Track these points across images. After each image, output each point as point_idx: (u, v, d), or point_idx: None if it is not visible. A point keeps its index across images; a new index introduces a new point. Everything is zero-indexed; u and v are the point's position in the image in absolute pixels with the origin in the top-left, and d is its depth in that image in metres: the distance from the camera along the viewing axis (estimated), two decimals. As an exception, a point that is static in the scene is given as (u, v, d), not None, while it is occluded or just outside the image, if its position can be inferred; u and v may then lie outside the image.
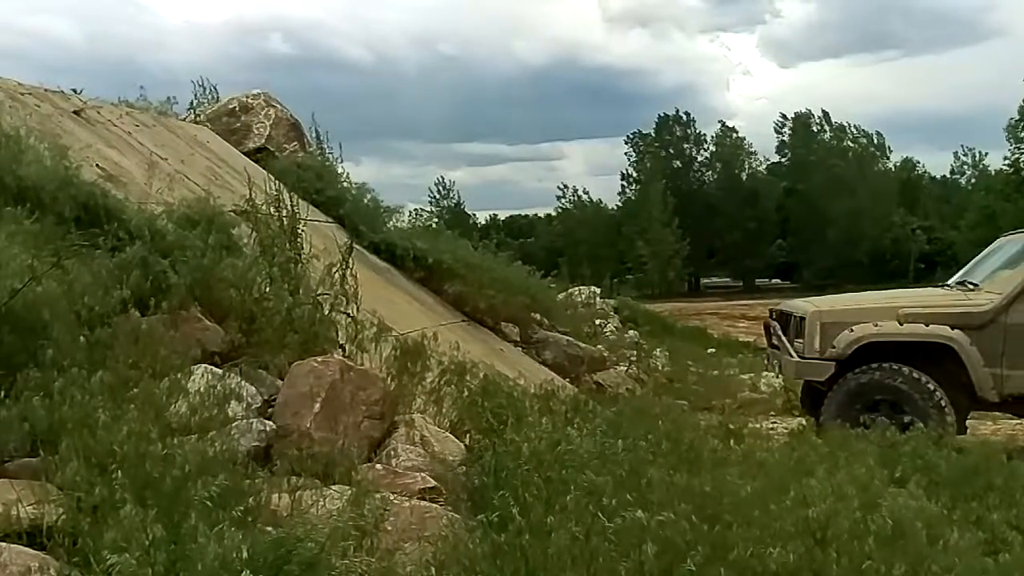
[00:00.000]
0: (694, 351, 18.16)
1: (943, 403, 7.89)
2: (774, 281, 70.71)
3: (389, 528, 3.84)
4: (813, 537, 3.18)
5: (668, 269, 66.08)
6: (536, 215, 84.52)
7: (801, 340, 8.45)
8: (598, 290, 22.00)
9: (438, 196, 73.88)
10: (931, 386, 7.94)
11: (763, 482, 3.87)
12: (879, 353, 8.15)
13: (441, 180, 76.74)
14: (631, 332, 17.60)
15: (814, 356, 8.29)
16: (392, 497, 4.10)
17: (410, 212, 17.15)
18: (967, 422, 8.40)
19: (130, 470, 3.53)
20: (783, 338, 8.88)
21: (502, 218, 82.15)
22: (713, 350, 19.20)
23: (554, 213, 78.02)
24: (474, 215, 70.71)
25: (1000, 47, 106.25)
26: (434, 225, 19.38)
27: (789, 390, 10.95)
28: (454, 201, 74.02)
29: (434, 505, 4.28)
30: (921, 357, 8.09)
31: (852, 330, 8.20)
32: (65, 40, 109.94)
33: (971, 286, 8.74)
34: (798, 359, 8.43)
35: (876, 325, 8.21)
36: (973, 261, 9.63)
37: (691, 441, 4.70)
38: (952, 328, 8.08)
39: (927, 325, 8.16)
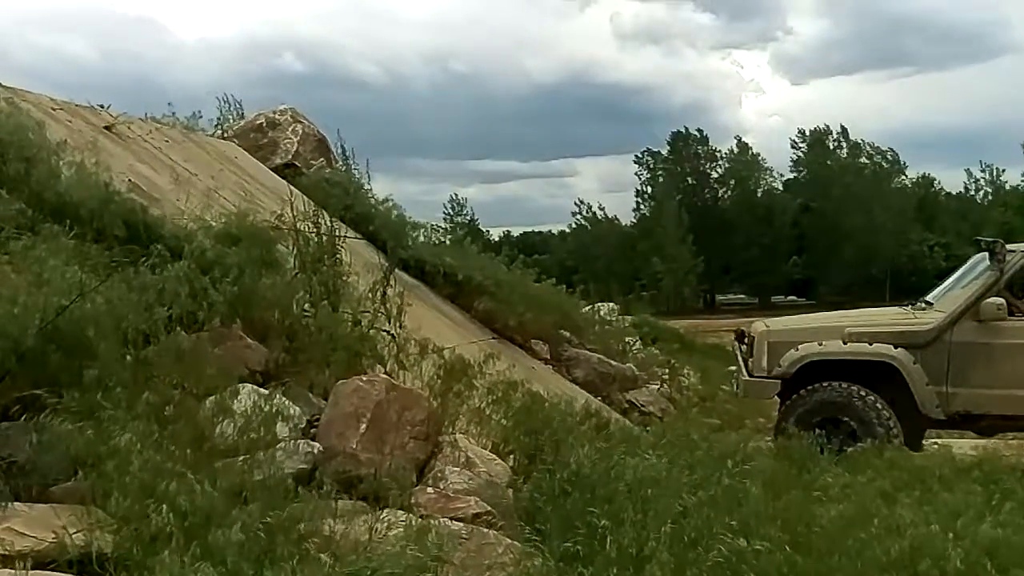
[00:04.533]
0: (718, 368, 17.90)
1: (890, 420, 7.92)
2: (790, 298, 70.24)
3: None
4: (905, 570, 3.01)
5: (683, 286, 65.80)
6: (550, 231, 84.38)
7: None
8: (616, 307, 21.76)
9: (452, 213, 73.66)
10: (877, 403, 7.98)
11: (847, 507, 3.71)
12: (828, 372, 8.20)
13: (455, 197, 76.45)
14: (651, 349, 17.38)
15: (762, 375, 8.41)
16: (449, 523, 3.96)
17: (424, 229, 16.91)
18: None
19: (178, 497, 3.40)
20: (739, 357, 9.06)
21: (515, 234, 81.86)
22: (734, 367, 18.91)
23: (568, 229, 77.89)
24: (488, 232, 70.49)
25: (1013, 63, 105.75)
26: (448, 242, 19.16)
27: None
28: (468, 218, 73.80)
29: (491, 531, 4.13)
30: (870, 376, 8.14)
31: (797, 349, 8.29)
32: (80, 58, 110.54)
33: (923, 305, 8.82)
34: (747, 377, 8.58)
35: (820, 344, 8.27)
36: (949, 280, 9.53)
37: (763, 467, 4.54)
38: (896, 347, 8.14)
39: (870, 344, 8.20)
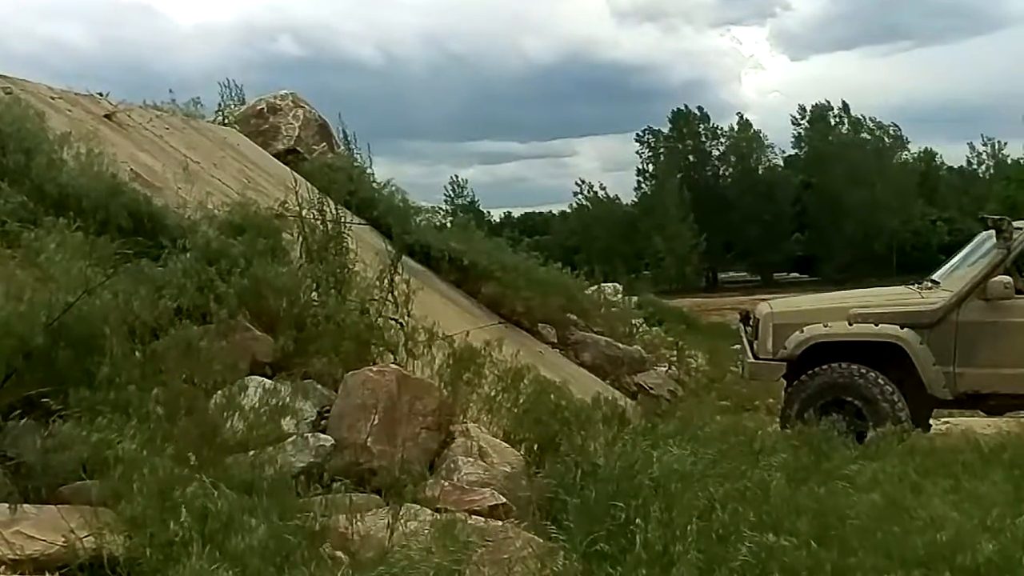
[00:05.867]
0: (725, 348, 17.80)
1: (893, 396, 7.86)
2: (792, 275, 70.12)
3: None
4: (944, 562, 2.92)
5: (685, 264, 65.68)
6: (551, 212, 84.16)
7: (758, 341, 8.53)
8: (619, 287, 21.65)
9: (453, 195, 73.31)
10: (879, 379, 7.92)
11: (876, 499, 3.61)
12: (834, 354, 8.13)
13: (455, 179, 76.12)
14: (657, 330, 17.29)
15: (767, 357, 8.33)
16: (468, 519, 3.87)
17: (427, 213, 16.75)
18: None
19: (197, 501, 3.32)
20: (744, 339, 8.99)
21: (516, 216, 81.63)
22: (739, 346, 18.78)
23: (568, 210, 77.62)
24: (489, 213, 70.12)
25: (1013, 36, 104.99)
26: (450, 225, 19.02)
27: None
28: (469, 199, 73.44)
29: (508, 525, 4.05)
30: (876, 357, 8.07)
31: (802, 331, 8.22)
32: (78, 45, 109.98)
33: (929, 284, 8.73)
34: (752, 360, 8.48)
35: (826, 326, 8.21)
36: (955, 258, 9.43)
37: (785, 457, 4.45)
38: (902, 327, 8.07)
39: (876, 325, 8.15)
